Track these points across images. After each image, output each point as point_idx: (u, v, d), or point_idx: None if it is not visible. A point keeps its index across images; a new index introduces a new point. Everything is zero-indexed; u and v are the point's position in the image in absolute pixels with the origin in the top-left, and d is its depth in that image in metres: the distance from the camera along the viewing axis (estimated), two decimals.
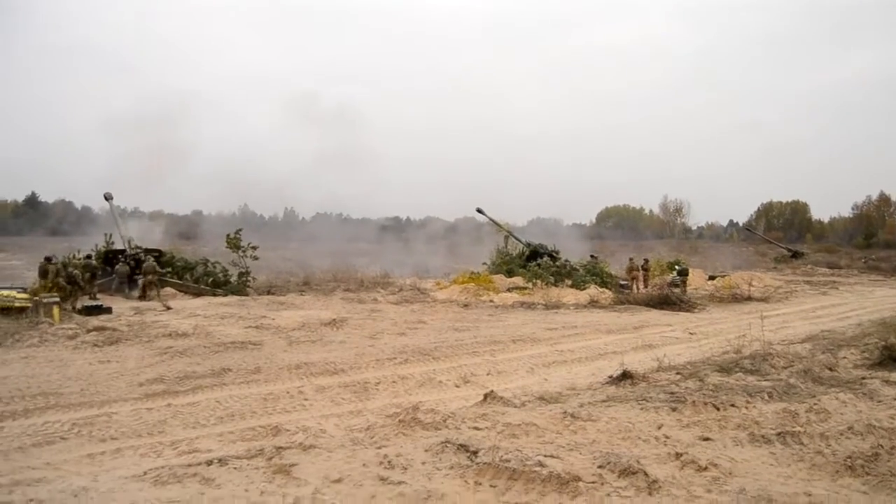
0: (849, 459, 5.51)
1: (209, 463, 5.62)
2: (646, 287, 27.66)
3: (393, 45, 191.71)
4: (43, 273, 18.66)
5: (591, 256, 31.13)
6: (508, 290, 24.82)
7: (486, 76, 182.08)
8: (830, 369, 9.78)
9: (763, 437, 6.18)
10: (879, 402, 7.52)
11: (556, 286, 25.29)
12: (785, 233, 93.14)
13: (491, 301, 22.42)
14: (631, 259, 29.62)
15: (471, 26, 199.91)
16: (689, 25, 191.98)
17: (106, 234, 25.60)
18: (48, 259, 19.19)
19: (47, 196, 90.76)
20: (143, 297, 20.68)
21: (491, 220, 35.80)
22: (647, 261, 30.39)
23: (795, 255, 51.61)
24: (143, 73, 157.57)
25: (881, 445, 5.79)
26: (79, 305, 17.69)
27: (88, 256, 22.32)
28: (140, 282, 21.31)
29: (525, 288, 25.11)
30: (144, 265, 21.50)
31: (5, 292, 16.82)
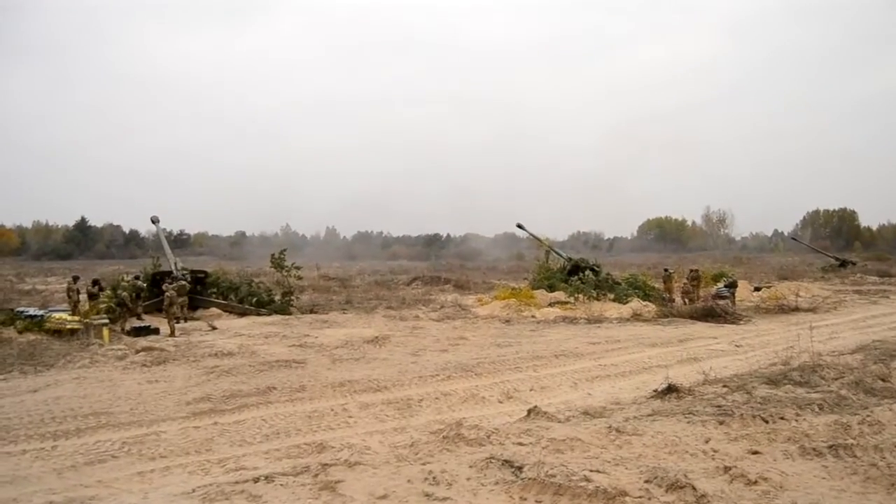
0: None
1: (256, 480, 5.69)
2: (697, 299, 26.68)
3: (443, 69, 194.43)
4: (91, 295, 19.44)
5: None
6: (550, 304, 24.60)
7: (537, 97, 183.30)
8: (883, 380, 9.52)
9: (814, 449, 6.04)
10: None
11: (598, 300, 25.03)
12: (832, 241, 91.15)
13: (533, 316, 22.29)
14: (666, 270, 28.96)
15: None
16: (736, 39, 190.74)
17: (153, 256, 26.14)
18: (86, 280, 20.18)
19: (96, 220, 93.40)
20: None
21: (531, 234, 35.59)
22: (696, 271, 29.32)
23: (844, 263, 50.31)
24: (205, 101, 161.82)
25: None
26: (127, 327, 18.08)
27: (136, 277, 22.81)
28: None
29: (567, 303, 24.89)
30: None
31: (57, 315, 17.24)
